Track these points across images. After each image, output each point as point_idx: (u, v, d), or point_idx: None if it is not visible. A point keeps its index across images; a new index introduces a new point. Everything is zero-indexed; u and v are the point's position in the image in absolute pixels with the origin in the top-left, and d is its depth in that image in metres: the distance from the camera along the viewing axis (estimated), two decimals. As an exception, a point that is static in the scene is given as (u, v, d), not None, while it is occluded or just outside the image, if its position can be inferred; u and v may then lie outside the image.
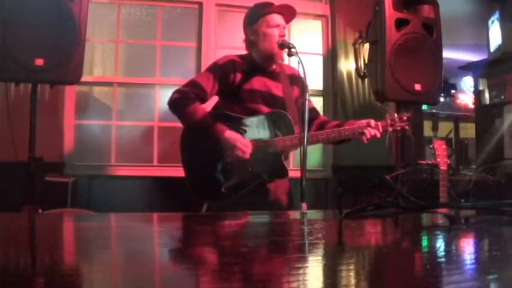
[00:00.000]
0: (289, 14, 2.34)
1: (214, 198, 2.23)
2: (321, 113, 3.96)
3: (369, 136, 2.19)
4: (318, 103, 4.01)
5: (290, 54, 2.18)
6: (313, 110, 2.40)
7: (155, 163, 3.74)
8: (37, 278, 0.64)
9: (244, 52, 2.39)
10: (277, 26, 2.27)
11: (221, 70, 2.27)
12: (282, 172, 2.21)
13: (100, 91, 3.82)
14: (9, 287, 0.56)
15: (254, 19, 2.32)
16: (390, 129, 2.24)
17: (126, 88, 3.85)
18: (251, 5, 2.42)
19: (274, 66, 2.35)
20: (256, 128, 2.22)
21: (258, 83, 2.29)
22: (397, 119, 2.26)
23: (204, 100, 2.26)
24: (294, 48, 2.16)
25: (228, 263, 0.76)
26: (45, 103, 3.16)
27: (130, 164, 3.67)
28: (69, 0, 2.60)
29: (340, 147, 3.79)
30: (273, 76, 2.34)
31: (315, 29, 4.14)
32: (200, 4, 3.88)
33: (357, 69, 4.00)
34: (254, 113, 2.24)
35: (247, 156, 2.16)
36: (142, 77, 3.83)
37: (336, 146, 3.82)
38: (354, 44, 4.00)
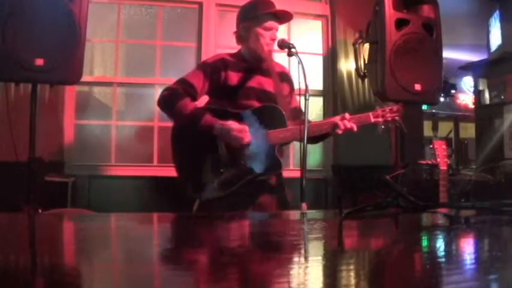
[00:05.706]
0: (285, 18, 2.35)
1: (209, 192, 2.21)
2: (321, 113, 4.00)
3: (342, 127, 2.20)
4: (318, 103, 4.01)
5: (290, 54, 2.18)
6: (299, 110, 2.41)
7: (155, 163, 3.74)
8: (37, 278, 0.64)
9: (235, 50, 2.39)
10: (271, 29, 2.28)
11: (211, 68, 2.26)
12: (276, 166, 2.20)
13: (100, 91, 3.82)
14: (9, 287, 0.56)
15: (249, 16, 2.31)
16: (380, 119, 2.27)
17: (126, 88, 3.85)
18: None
19: (263, 64, 2.34)
20: (249, 122, 2.20)
21: (250, 79, 2.29)
22: (387, 110, 2.28)
23: (194, 97, 2.24)
24: (294, 48, 2.16)
25: (227, 263, 0.76)
26: (45, 103, 3.16)
27: (130, 164, 3.67)
28: (69, 0, 2.60)
29: (340, 147, 3.79)
30: (264, 72, 2.34)
31: (315, 29, 4.13)
32: (200, 4, 3.88)
33: (357, 69, 4.00)
34: (247, 109, 2.23)
35: (248, 139, 2.14)
36: (142, 77, 3.82)
37: (336, 146, 3.82)
38: (354, 44, 3.99)
